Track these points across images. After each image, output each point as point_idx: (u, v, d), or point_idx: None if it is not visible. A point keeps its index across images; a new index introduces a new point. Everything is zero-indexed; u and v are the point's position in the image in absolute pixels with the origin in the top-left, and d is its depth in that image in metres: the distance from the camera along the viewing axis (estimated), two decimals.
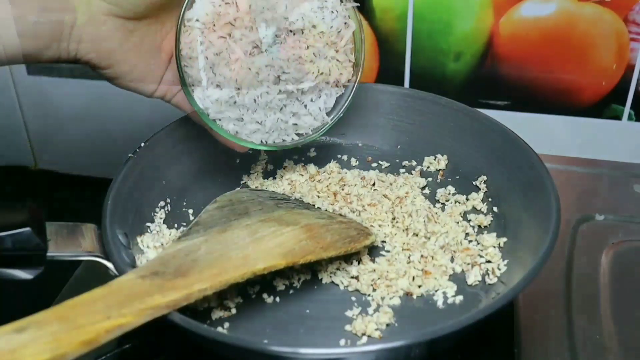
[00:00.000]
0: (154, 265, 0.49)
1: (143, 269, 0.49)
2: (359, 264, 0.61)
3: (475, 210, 0.68)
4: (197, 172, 0.72)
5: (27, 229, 0.51)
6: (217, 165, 0.73)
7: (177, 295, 0.46)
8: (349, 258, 0.61)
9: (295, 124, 0.63)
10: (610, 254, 0.69)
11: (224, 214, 0.59)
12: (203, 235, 0.54)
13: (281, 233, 0.56)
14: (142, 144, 0.67)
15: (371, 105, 0.77)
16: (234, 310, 0.58)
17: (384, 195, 0.69)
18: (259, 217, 0.59)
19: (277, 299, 0.59)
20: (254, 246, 0.53)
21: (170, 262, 0.49)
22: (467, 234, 0.65)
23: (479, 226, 0.66)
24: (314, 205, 0.67)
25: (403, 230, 0.65)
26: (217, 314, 0.58)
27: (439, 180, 0.73)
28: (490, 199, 0.69)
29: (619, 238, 0.71)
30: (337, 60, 0.62)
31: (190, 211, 0.69)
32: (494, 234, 0.65)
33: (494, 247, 0.63)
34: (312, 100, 0.63)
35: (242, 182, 0.73)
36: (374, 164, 0.76)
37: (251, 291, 0.59)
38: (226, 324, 0.57)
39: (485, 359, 0.60)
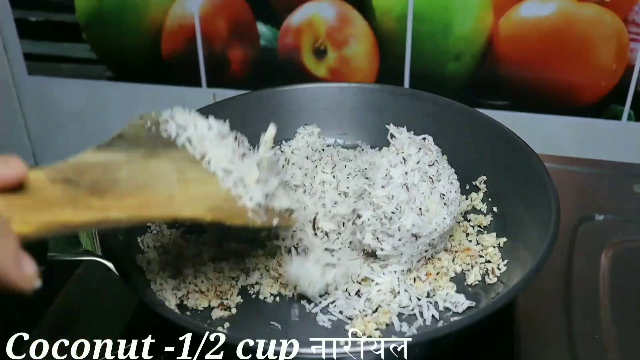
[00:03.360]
0: (67, 171, 0.42)
1: (54, 171, 0.41)
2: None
3: (475, 210, 0.68)
4: None
5: None
6: None
7: (91, 216, 0.39)
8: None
9: None
10: (610, 254, 0.69)
11: (150, 136, 0.52)
12: (126, 153, 0.48)
13: (209, 182, 0.50)
14: None
15: (371, 106, 0.77)
16: (234, 310, 0.58)
17: None
18: (187, 154, 0.51)
19: (277, 299, 0.59)
20: (180, 188, 0.47)
21: (85, 172, 0.42)
22: (467, 234, 0.65)
23: (479, 226, 0.66)
24: None
25: None
26: (217, 313, 0.58)
27: None
28: (490, 199, 0.69)
29: (619, 238, 0.71)
30: None
31: None
32: (494, 234, 0.65)
33: (494, 247, 0.63)
34: None
35: None
36: None
37: (251, 291, 0.59)
38: (226, 324, 0.57)
39: (485, 358, 0.60)
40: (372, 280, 0.59)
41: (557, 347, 0.59)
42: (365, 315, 0.57)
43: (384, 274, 0.59)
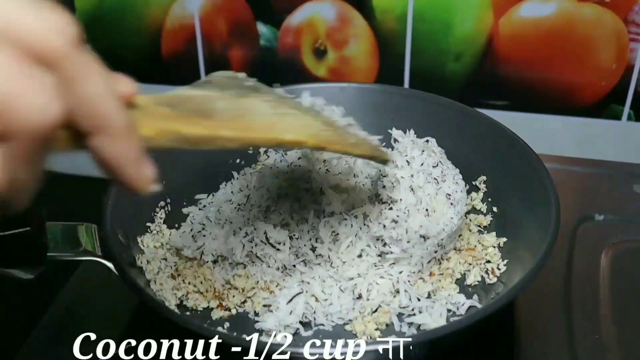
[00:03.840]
0: (168, 98, 0.41)
1: (156, 97, 0.40)
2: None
3: (475, 210, 0.68)
4: (197, 172, 0.72)
5: (27, 228, 0.50)
6: (218, 165, 0.73)
7: (202, 130, 0.39)
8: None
9: None
10: (610, 254, 0.69)
11: (236, 83, 0.52)
12: (219, 92, 0.47)
13: (303, 117, 0.51)
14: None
15: (371, 106, 0.77)
16: (234, 311, 0.58)
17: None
18: (276, 94, 0.52)
19: (277, 299, 0.59)
20: (277, 119, 0.47)
21: (186, 101, 0.42)
22: (472, 233, 0.65)
23: (479, 226, 0.66)
24: None
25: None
26: (217, 314, 0.58)
27: None
28: (490, 199, 0.69)
29: (618, 238, 0.71)
30: None
31: (191, 211, 0.69)
32: (494, 234, 0.65)
33: (494, 247, 0.63)
34: None
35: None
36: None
37: (251, 291, 0.59)
38: (226, 324, 0.57)
39: (486, 358, 0.60)
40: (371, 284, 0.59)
41: (557, 347, 0.59)
42: (365, 316, 0.57)
43: (392, 275, 0.59)
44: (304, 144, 0.46)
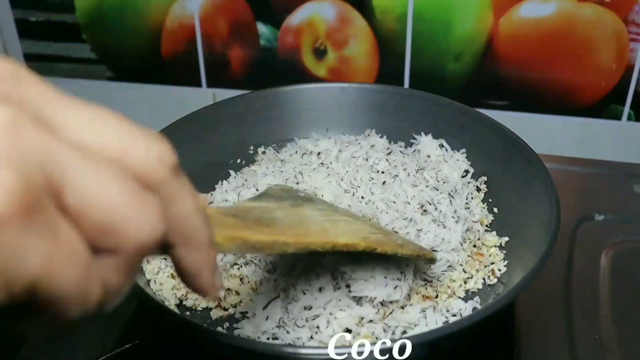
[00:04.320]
0: (232, 210, 0.45)
1: (221, 209, 0.45)
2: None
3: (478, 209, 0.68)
4: (198, 172, 0.72)
5: None
6: (219, 165, 0.73)
7: (264, 237, 0.42)
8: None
9: None
10: (610, 254, 0.69)
11: (290, 194, 0.56)
12: (275, 203, 0.51)
13: (354, 222, 0.55)
14: None
15: (371, 106, 0.77)
16: (231, 310, 0.58)
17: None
18: (327, 204, 0.58)
19: (253, 305, 0.59)
20: (330, 225, 0.51)
21: (248, 213, 0.45)
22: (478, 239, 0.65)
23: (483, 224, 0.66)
24: None
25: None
26: (216, 313, 0.58)
27: None
28: (490, 200, 0.69)
29: (618, 238, 0.71)
30: None
31: None
32: (494, 234, 0.65)
33: (495, 247, 0.63)
34: None
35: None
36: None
37: (250, 292, 0.59)
38: (226, 324, 0.57)
39: (486, 358, 0.60)
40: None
41: (557, 347, 0.59)
42: (366, 316, 0.57)
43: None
44: (357, 246, 0.50)
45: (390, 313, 0.56)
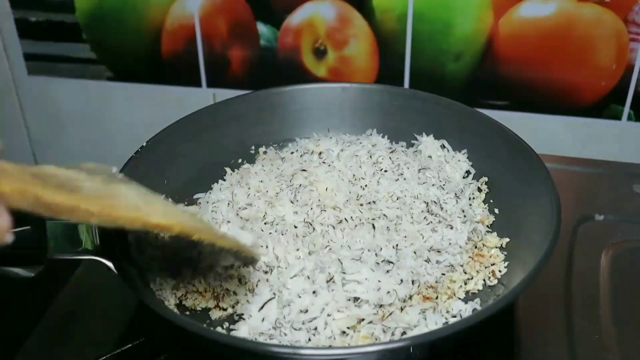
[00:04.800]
0: (32, 170, 0.42)
1: (20, 166, 0.41)
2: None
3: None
4: (198, 172, 0.72)
5: (28, 227, 0.50)
6: (218, 165, 0.73)
7: (62, 200, 0.40)
8: None
9: None
10: (610, 254, 0.69)
11: (106, 173, 0.52)
12: (86, 176, 0.47)
13: (173, 207, 0.52)
14: (144, 145, 0.67)
15: (371, 106, 0.77)
16: (230, 310, 0.58)
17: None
18: (147, 191, 0.51)
19: (249, 306, 0.58)
20: (145, 204, 0.47)
21: (51, 177, 0.42)
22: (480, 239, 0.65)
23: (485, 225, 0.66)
24: None
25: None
26: (215, 314, 0.58)
27: None
28: (491, 200, 0.69)
29: (618, 238, 0.71)
30: None
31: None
32: (495, 235, 0.64)
33: (496, 247, 0.63)
34: None
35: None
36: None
37: (249, 293, 0.59)
38: (226, 324, 0.57)
39: (486, 358, 0.60)
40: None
41: (557, 347, 0.59)
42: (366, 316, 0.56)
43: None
44: (170, 228, 0.46)
45: (390, 314, 0.55)
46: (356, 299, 0.55)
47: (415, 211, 0.63)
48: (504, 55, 0.85)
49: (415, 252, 0.60)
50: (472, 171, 0.70)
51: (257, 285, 0.58)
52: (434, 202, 0.64)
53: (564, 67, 0.84)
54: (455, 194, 0.66)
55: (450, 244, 0.61)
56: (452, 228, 0.62)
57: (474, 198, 0.69)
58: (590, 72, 0.84)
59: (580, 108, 0.87)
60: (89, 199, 0.42)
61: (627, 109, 0.85)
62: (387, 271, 0.57)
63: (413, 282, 0.57)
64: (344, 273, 0.56)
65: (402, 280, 0.56)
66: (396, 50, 0.87)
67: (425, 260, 0.59)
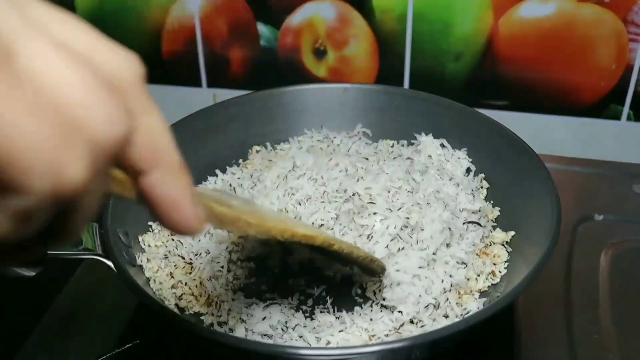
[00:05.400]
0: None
1: None
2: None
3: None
4: (198, 172, 0.72)
5: None
6: (218, 165, 0.73)
7: (227, 211, 0.40)
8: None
9: None
10: (609, 254, 0.69)
11: (225, 192, 0.57)
12: (228, 196, 0.50)
13: (306, 223, 0.55)
14: None
15: (373, 106, 0.77)
16: (224, 318, 0.58)
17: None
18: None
19: (276, 300, 0.59)
20: (285, 217, 0.52)
21: (205, 194, 0.44)
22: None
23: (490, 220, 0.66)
24: None
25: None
26: (208, 319, 0.57)
27: None
28: (491, 201, 0.69)
29: (618, 238, 0.71)
30: None
31: None
32: (499, 230, 0.65)
33: (501, 245, 0.63)
34: None
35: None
36: None
37: (248, 293, 0.59)
38: (225, 327, 0.57)
39: (486, 358, 0.60)
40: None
41: (557, 347, 0.59)
42: (366, 316, 0.57)
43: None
44: (315, 238, 0.49)
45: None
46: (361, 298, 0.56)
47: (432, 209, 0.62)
48: (504, 55, 0.85)
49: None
50: (473, 168, 0.70)
51: (254, 286, 0.58)
52: (443, 199, 0.63)
53: (563, 67, 0.84)
54: (463, 189, 0.66)
55: (460, 238, 0.61)
56: (472, 224, 0.62)
57: (477, 191, 0.68)
58: (589, 72, 0.84)
59: (580, 108, 0.87)
60: (245, 212, 0.44)
61: (626, 109, 0.85)
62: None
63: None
64: (373, 283, 0.56)
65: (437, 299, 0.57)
66: (396, 51, 0.87)
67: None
